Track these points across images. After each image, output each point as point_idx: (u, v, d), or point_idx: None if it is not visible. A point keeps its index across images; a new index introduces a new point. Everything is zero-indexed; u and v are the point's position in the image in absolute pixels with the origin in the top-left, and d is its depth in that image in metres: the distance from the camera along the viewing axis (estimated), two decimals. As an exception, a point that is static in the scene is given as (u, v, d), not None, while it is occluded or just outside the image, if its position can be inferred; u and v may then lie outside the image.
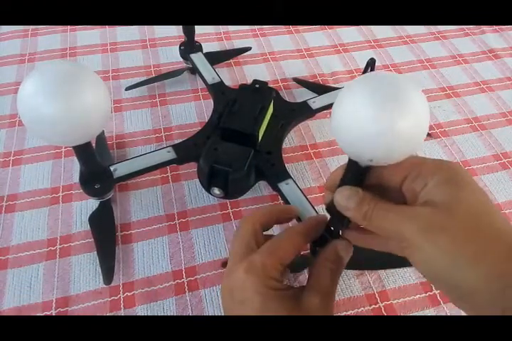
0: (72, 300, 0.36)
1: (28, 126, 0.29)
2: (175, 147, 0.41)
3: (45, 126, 0.28)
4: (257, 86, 0.43)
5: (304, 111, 0.47)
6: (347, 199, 0.26)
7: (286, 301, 0.26)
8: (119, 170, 0.40)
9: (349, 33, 0.64)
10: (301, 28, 0.64)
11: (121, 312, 0.36)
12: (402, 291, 0.38)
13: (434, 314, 0.36)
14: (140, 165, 0.40)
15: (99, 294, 0.37)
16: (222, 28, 0.63)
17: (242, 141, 0.39)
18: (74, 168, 0.45)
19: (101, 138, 0.46)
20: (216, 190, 0.38)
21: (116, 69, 0.56)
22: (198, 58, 0.52)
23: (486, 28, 0.65)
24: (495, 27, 0.65)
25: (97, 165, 0.37)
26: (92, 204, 0.42)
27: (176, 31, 0.62)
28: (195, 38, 0.53)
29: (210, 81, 0.49)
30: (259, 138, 0.40)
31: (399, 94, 0.22)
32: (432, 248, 0.22)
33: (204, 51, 0.53)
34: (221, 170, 0.37)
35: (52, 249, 0.39)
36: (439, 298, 0.37)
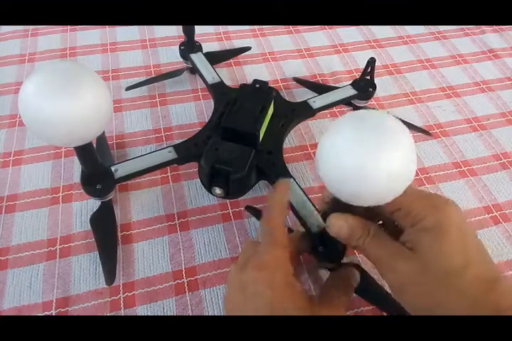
0: (72, 300, 0.36)
1: (29, 127, 0.29)
2: (176, 147, 0.41)
3: (46, 127, 0.28)
4: (258, 86, 0.43)
5: (305, 111, 0.47)
6: (338, 229, 0.28)
7: (298, 300, 0.27)
8: (120, 170, 0.40)
9: (349, 33, 0.64)
10: (301, 28, 0.64)
11: (122, 312, 0.36)
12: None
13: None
14: (141, 166, 0.40)
15: (99, 294, 0.37)
16: (222, 28, 0.63)
17: (242, 140, 0.39)
18: (74, 168, 0.45)
19: (102, 138, 0.46)
20: (217, 190, 0.38)
21: (116, 70, 0.56)
22: (198, 58, 0.52)
23: (486, 28, 0.65)
24: (495, 27, 0.65)
25: (98, 166, 0.37)
26: (92, 204, 0.42)
27: (175, 31, 0.62)
28: (195, 38, 0.53)
29: (210, 81, 0.49)
30: (260, 137, 0.40)
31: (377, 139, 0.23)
32: (404, 301, 0.26)
33: (204, 51, 0.53)
34: (222, 169, 0.37)
35: (53, 249, 0.39)
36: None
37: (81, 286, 0.37)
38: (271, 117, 0.43)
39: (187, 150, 0.41)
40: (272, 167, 0.40)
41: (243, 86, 0.44)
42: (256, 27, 0.64)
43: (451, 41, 0.63)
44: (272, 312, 0.26)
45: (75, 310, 0.36)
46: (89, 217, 0.40)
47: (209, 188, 0.38)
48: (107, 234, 0.39)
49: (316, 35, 0.63)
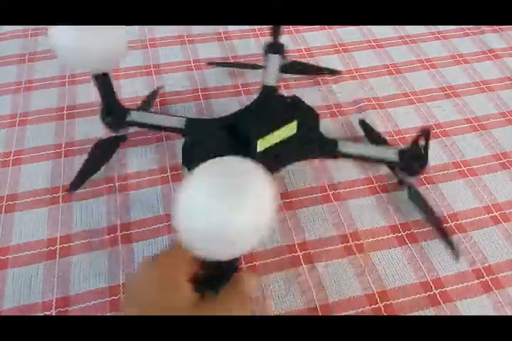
0: (72, 299, 0.36)
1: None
2: (188, 120, 0.44)
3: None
4: (289, 101, 0.42)
5: (327, 150, 0.42)
6: None
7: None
8: (132, 115, 0.44)
9: (349, 33, 0.64)
10: (301, 28, 0.64)
11: (121, 312, 0.36)
12: (402, 291, 0.38)
13: (434, 314, 0.36)
14: (151, 120, 0.44)
15: (99, 294, 0.37)
16: (222, 28, 0.63)
17: (241, 142, 0.38)
18: (74, 167, 0.45)
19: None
20: None
21: (116, 70, 0.56)
22: (273, 59, 0.52)
23: (486, 28, 0.65)
24: (495, 27, 0.65)
25: (114, 101, 0.42)
26: (92, 204, 0.42)
27: (176, 31, 0.62)
28: (194, 38, 0.53)
29: (265, 82, 0.49)
30: (259, 148, 0.39)
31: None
32: None
33: (202, 51, 0.53)
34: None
35: (52, 248, 0.39)
36: (439, 298, 0.37)
37: (81, 286, 0.37)
38: (291, 139, 0.41)
39: (193, 129, 0.43)
40: None
41: (285, 97, 0.44)
42: (256, 27, 0.64)
43: (451, 41, 0.63)
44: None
45: (75, 309, 0.36)
46: (88, 217, 0.40)
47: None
48: (101, 157, 0.45)
49: (316, 35, 0.63)
